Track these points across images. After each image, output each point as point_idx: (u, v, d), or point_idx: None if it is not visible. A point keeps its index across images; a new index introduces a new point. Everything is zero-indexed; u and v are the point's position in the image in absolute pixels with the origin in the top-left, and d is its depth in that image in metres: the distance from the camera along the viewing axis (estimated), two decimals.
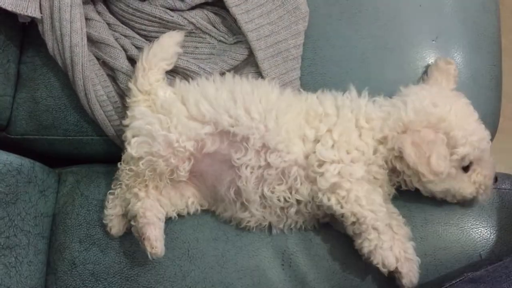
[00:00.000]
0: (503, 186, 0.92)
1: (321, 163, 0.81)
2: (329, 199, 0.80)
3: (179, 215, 0.89)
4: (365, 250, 0.80)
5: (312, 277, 0.88)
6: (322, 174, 0.80)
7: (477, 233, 0.88)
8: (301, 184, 0.82)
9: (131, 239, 0.90)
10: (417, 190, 0.86)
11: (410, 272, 0.81)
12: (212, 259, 0.89)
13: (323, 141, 0.82)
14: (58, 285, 0.90)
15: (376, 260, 0.79)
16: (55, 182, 0.97)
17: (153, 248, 0.81)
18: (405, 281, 0.81)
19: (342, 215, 0.80)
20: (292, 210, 0.85)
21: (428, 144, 0.80)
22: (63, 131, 1.00)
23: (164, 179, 0.85)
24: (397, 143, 0.81)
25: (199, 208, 0.90)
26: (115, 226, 0.88)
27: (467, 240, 0.88)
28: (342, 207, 0.79)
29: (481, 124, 0.85)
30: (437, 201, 0.88)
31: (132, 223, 0.84)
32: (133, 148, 0.84)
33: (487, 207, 0.90)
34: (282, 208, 0.85)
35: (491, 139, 0.98)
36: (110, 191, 0.89)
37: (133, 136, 0.85)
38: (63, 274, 0.90)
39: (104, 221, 0.89)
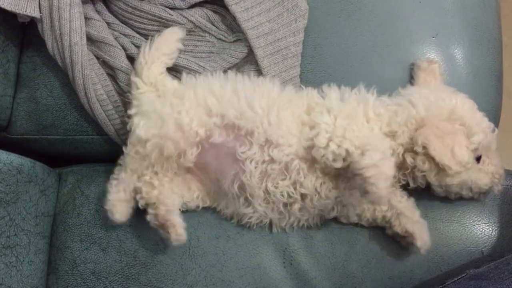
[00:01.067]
0: (504, 183, 0.91)
1: (313, 126, 0.81)
2: (328, 146, 0.78)
3: (181, 211, 0.89)
4: (365, 163, 0.75)
5: (314, 275, 0.88)
6: (317, 135, 0.79)
7: (479, 229, 0.88)
8: (305, 177, 0.82)
9: (132, 237, 0.90)
10: (427, 187, 0.86)
11: (422, 233, 0.82)
12: (213, 257, 0.88)
13: (319, 111, 0.82)
14: (59, 284, 0.90)
15: (370, 173, 0.75)
16: (55, 181, 0.97)
17: (178, 234, 0.81)
18: (419, 243, 0.81)
19: (348, 154, 0.77)
20: (296, 206, 0.84)
21: (450, 136, 0.80)
22: (63, 131, 1.00)
23: (171, 163, 0.84)
24: (420, 138, 0.80)
25: (200, 204, 0.89)
26: (118, 212, 0.86)
27: (469, 237, 0.88)
28: (342, 145, 0.77)
29: (483, 114, 0.85)
30: (438, 198, 0.88)
31: (151, 211, 0.83)
32: (141, 129, 0.83)
33: (489, 203, 0.89)
34: (285, 205, 0.85)
35: None
36: (113, 175, 0.88)
37: (143, 120, 0.84)
38: (64, 274, 0.90)
39: (106, 207, 0.86)
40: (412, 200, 0.86)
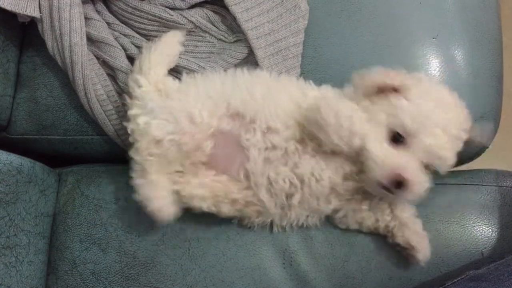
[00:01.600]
0: (504, 184, 0.91)
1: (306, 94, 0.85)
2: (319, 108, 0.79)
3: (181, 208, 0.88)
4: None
5: (313, 276, 0.88)
6: (318, 109, 0.80)
7: (479, 231, 0.88)
8: (299, 157, 0.83)
9: (131, 238, 0.90)
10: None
11: (423, 246, 0.83)
12: (213, 258, 0.88)
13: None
14: (58, 284, 0.90)
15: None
16: (55, 181, 0.97)
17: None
18: (421, 256, 0.83)
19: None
20: (297, 196, 0.84)
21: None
22: (63, 131, 1.00)
23: (190, 157, 0.83)
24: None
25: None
26: (165, 210, 0.82)
27: (469, 238, 0.88)
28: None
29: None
30: (439, 199, 0.88)
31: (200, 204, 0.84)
32: (156, 129, 0.81)
33: (489, 204, 0.89)
34: (286, 196, 0.84)
35: (492, 136, 0.98)
36: (139, 180, 0.82)
37: (154, 119, 0.82)
38: (63, 274, 0.90)
39: (149, 208, 0.81)
40: (413, 209, 0.86)
